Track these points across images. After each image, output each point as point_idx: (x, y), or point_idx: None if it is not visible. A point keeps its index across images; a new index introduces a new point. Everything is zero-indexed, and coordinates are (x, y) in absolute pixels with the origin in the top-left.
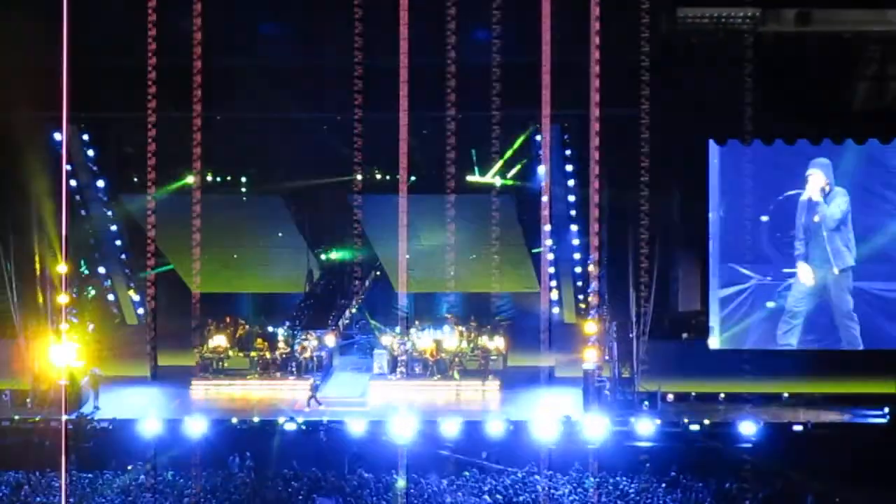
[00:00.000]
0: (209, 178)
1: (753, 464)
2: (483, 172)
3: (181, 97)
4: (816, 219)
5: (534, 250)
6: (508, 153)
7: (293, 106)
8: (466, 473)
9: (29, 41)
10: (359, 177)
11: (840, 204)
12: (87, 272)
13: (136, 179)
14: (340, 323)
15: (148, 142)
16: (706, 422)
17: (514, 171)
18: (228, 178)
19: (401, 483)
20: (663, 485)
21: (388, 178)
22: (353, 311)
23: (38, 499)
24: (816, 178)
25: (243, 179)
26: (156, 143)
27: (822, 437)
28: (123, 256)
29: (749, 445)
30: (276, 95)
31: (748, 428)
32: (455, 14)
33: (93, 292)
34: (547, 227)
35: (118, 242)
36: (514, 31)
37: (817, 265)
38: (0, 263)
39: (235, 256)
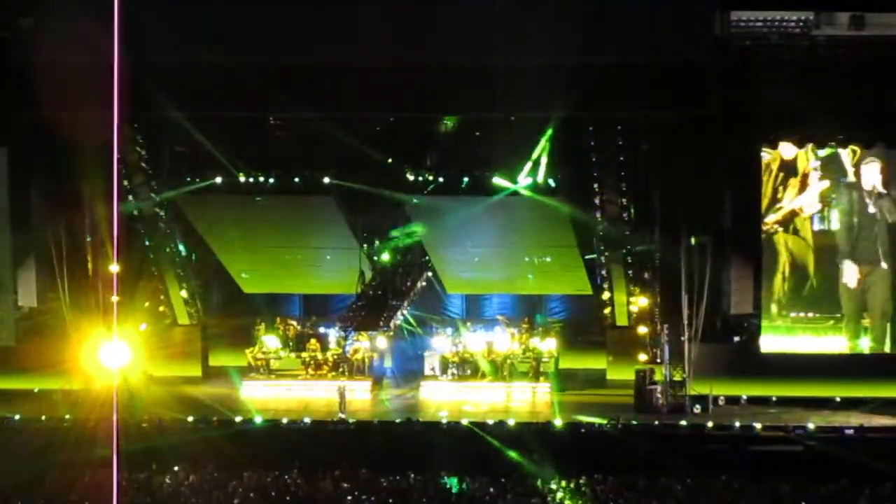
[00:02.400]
0: (261, 178)
1: (805, 467)
2: (535, 175)
3: (236, 96)
4: (872, 210)
5: (587, 256)
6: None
7: (346, 106)
8: (517, 475)
9: (85, 38)
10: (410, 177)
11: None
12: (139, 272)
13: (189, 179)
14: (392, 324)
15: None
16: (757, 425)
17: (565, 174)
18: (281, 177)
19: (450, 485)
20: (715, 488)
21: (440, 179)
22: (405, 312)
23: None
24: (874, 168)
25: (296, 179)
26: (208, 143)
27: (875, 440)
28: (176, 256)
29: (801, 449)
30: (331, 94)
31: (800, 431)
32: (507, 13)
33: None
34: (600, 230)
35: (170, 242)
36: (568, 31)
37: (863, 263)
38: (52, 263)
39: (287, 257)
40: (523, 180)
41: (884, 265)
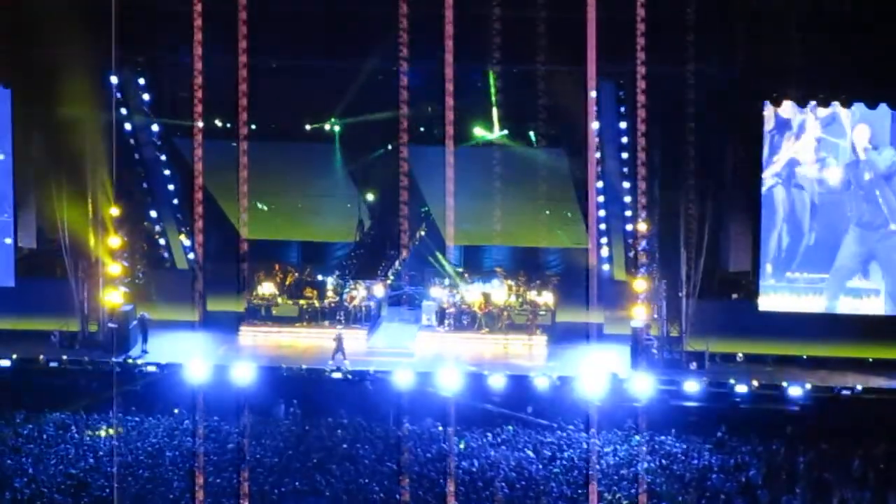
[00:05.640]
0: (261, 124)
1: (800, 426)
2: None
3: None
4: (868, 176)
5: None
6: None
7: (345, 53)
8: (510, 428)
9: None
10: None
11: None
12: (137, 215)
13: (189, 124)
14: (390, 273)
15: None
16: (753, 383)
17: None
18: (281, 124)
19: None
20: (709, 445)
21: (436, 130)
22: (403, 261)
23: (86, 440)
24: (862, 132)
25: (296, 126)
26: (207, 88)
27: (870, 401)
28: (175, 201)
29: (796, 408)
30: (328, 42)
31: (795, 390)
32: None
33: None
34: (598, 184)
35: (170, 187)
36: None
37: (866, 225)
38: (52, 204)
39: (287, 203)
40: (524, 132)
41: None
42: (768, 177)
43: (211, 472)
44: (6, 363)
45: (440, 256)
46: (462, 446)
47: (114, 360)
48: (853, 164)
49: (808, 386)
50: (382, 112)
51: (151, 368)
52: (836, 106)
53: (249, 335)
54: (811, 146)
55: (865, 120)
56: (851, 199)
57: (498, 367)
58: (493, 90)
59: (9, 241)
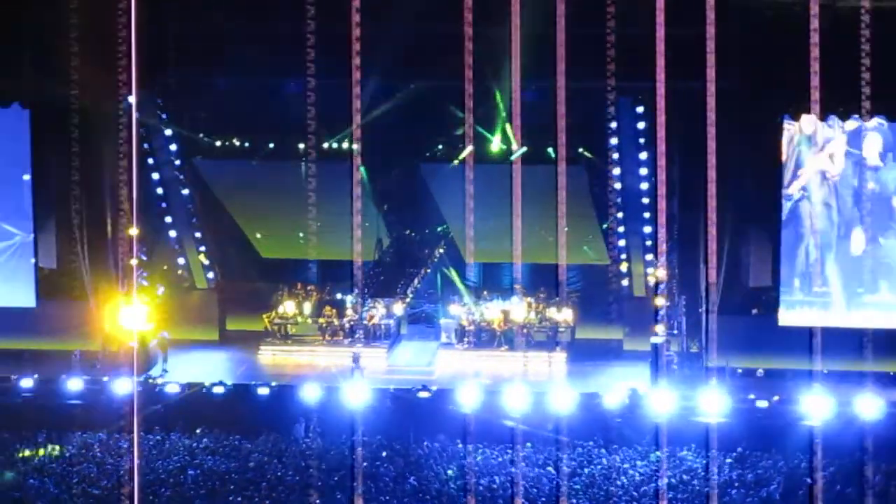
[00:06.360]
0: (279, 144)
1: (821, 441)
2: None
3: (256, 62)
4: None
5: (604, 225)
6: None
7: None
8: (531, 445)
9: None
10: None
11: None
12: (157, 235)
13: (208, 143)
14: (409, 291)
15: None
16: (774, 398)
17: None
18: (299, 144)
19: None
20: (729, 460)
21: (455, 147)
22: (421, 279)
23: (109, 460)
24: (874, 141)
25: (314, 145)
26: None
27: (893, 416)
28: (194, 220)
29: (818, 423)
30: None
31: (817, 405)
32: None
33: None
34: (618, 200)
35: (189, 207)
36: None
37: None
38: (72, 226)
39: (307, 223)
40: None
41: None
42: (795, 191)
43: (232, 490)
44: (28, 383)
45: (455, 275)
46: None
47: (134, 379)
48: (875, 176)
49: (830, 400)
50: (400, 130)
51: (173, 388)
52: (858, 119)
53: (269, 354)
54: (837, 159)
55: (879, 131)
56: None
57: (517, 383)
58: (512, 107)
59: (31, 261)
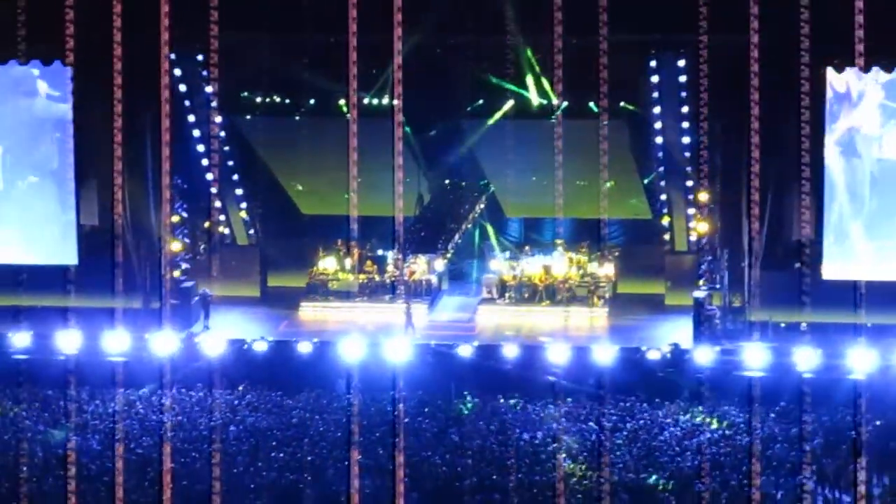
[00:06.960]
0: (320, 100)
1: (865, 395)
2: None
3: (294, 20)
4: None
5: (646, 179)
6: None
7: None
8: (571, 400)
9: None
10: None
11: None
12: (198, 191)
13: (248, 101)
14: (450, 247)
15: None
16: (818, 352)
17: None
18: (340, 100)
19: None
20: (772, 415)
21: (496, 103)
22: (462, 234)
23: (152, 416)
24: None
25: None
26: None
27: None
28: (235, 177)
29: (862, 377)
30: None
31: (861, 359)
32: None
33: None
34: (659, 154)
35: (230, 163)
36: None
37: None
38: (113, 182)
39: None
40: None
41: None
42: (829, 145)
43: (274, 446)
44: (70, 341)
45: (493, 232)
46: None
47: (175, 335)
48: None
49: (874, 354)
50: (442, 87)
51: (215, 345)
52: None
53: (310, 310)
54: (872, 113)
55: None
56: None
57: (558, 339)
58: (553, 62)
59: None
